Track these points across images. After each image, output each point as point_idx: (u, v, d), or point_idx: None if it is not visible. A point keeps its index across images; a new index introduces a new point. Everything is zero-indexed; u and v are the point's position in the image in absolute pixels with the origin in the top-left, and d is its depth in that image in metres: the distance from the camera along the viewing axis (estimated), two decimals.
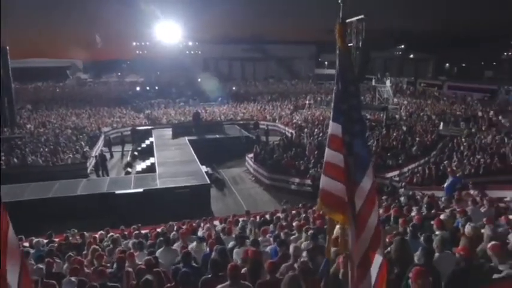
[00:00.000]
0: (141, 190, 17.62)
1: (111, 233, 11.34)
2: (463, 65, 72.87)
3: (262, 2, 75.59)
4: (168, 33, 55.51)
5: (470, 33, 64.76)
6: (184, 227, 12.31)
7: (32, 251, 9.27)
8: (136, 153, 29.02)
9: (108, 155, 27.22)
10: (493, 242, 4.96)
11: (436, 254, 5.45)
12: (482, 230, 6.66)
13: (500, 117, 33.09)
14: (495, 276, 4.09)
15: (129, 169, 24.78)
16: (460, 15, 68.99)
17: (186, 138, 28.04)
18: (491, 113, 35.71)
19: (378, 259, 2.65)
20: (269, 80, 75.50)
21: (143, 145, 29.75)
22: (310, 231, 7.65)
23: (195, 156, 23.03)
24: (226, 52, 74.28)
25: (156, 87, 56.81)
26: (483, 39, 58.26)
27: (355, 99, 2.56)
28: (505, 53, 50.09)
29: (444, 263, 5.12)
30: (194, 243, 8.80)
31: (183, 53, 59.09)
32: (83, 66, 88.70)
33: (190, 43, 60.45)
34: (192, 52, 61.25)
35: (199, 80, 58.16)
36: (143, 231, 12.04)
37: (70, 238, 11.11)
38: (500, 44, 51.02)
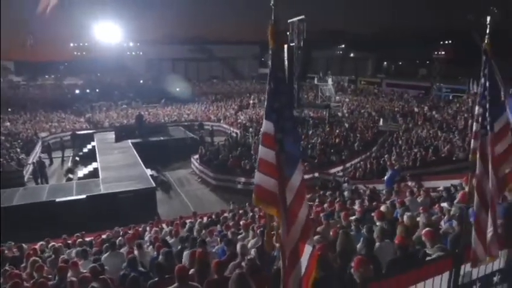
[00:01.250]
0: (84, 197, 16.97)
1: (53, 243, 10.85)
2: (400, 63, 76.19)
3: (205, 3, 75.01)
4: (108, 33, 53.94)
5: (406, 33, 67.76)
6: (130, 232, 12.07)
7: None
8: (77, 158, 27.98)
9: (47, 162, 25.99)
10: (426, 229, 5.26)
11: (377, 244, 5.69)
12: (418, 219, 7.03)
13: (433, 113, 34.90)
14: (428, 259, 4.36)
15: (70, 175, 23.82)
16: (396, 16, 71.98)
17: (130, 141, 27.38)
18: (426, 108, 37.59)
19: (308, 249, 2.78)
20: (213, 80, 75.18)
21: (85, 150, 28.76)
22: (260, 229, 7.73)
23: (139, 160, 22.53)
24: (169, 53, 73.07)
25: (97, 90, 54.98)
26: (417, 39, 61.21)
27: (286, 97, 2.66)
28: (436, 53, 52.91)
29: (384, 252, 5.37)
30: (139, 248, 8.62)
31: (124, 54, 57.61)
32: (15, 68, 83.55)
33: (131, 44, 59.02)
34: (133, 53, 59.82)
35: (141, 81, 56.93)
36: (87, 239, 11.65)
37: (6, 251, 10.45)
38: (432, 44, 54.01)
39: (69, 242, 11.52)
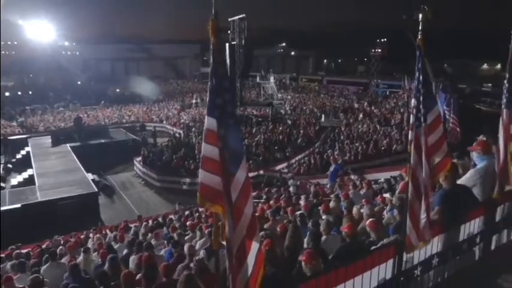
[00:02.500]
0: (18, 206, 16.09)
1: None
2: (339, 61, 78.57)
3: (145, 2, 73.31)
4: (40, 32, 51.15)
5: (344, 31, 69.96)
6: (72, 240, 11.57)
7: None
8: (10, 165, 26.37)
9: None
10: (370, 219, 5.43)
11: (324, 237, 5.80)
12: (362, 210, 7.25)
13: (372, 108, 36.26)
14: (373, 248, 4.52)
15: (2, 184, 22.44)
16: (335, 14, 74.04)
17: (68, 145, 26.31)
18: (365, 104, 39.01)
19: (254, 246, 2.79)
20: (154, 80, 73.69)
21: (18, 156, 27.31)
22: (209, 229, 7.67)
23: (79, 164, 21.69)
24: (108, 52, 70.70)
25: (30, 92, 52.23)
26: (355, 37, 63.38)
27: (229, 94, 2.65)
28: (373, 50, 55.09)
29: (331, 244, 5.49)
30: (82, 255, 8.28)
31: (59, 53, 55.05)
32: None
33: (66, 43, 56.51)
34: (69, 53, 57.35)
35: (79, 82, 54.72)
36: (24, 251, 11.00)
37: None
38: (369, 42, 56.16)
39: (3, 255, 10.82)
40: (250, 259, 2.79)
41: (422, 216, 3.63)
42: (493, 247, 5.10)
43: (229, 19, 32.32)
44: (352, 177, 13.52)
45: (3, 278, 6.67)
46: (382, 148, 20.13)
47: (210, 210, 2.90)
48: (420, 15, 3.12)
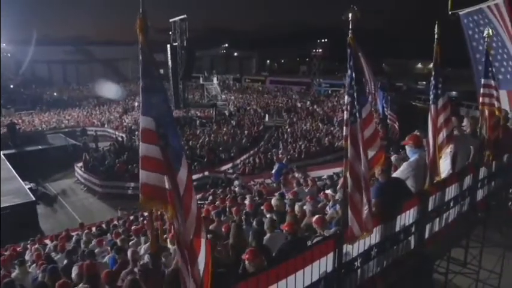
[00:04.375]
0: None
1: None
2: (282, 61, 79.73)
3: (84, 2, 70.65)
4: None
5: (286, 32, 71.11)
6: (6, 253, 10.94)
7: None
8: None
9: None
10: (316, 216, 5.55)
11: (268, 235, 5.87)
12: (305, 207, 7.40)
13: (315, 107, 37.13)
14: (315, 240, 4.63)
15: None
16: (277, 15, 75.07)
17: (2, 152, 24.80)
18: (308, 103, 39.85)
19: (203, 241, 2.79)
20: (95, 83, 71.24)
21: None
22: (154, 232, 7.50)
23: (14, 172, 20.54)
24: (44, 54, 67.30)
25: None
26: (297, 38, 64.69)
27: (162, 92, 2.63)
28: (314, 50, 56.42)
29: (275, 242, 5.55)
30: (17, 269, 7.84)
31: None
32: None
33: None
34: None
35: (11, 86, 51.78)
36: None
37: None
38: (311, 42, 57.47)
39: None
40: (201, 254, 2.79)
41: (365, 208, 3.76)
42: (426, 235, 5.38)
43: (170, 20, 31.95)
44: (296, 175, 13.76)
45: None
46: (325, 146, 20.68)
47: (155, 211, 2.84)
48: (350, 15, 3.23)
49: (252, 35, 76.27)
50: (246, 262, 4.04)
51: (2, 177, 20.26)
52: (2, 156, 24.13)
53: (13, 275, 7.60)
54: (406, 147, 5.46)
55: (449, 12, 10.25)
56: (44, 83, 62.66)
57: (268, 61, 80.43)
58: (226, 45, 77.65)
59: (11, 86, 52.21)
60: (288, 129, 26.89)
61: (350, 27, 3.27)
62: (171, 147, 2.57)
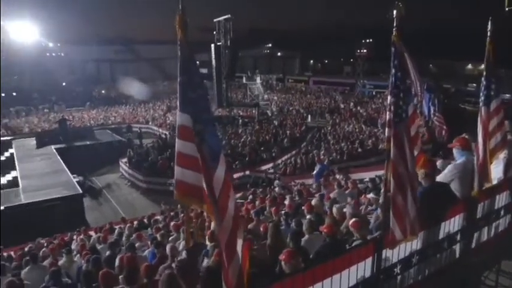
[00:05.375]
0: (1, 208, 15.83)
1: None
2: (326, 61, 78.81)
3: (131, 2, 72.56)
4: (23, 33, 50.32)
5: (330, 32, 70.01)
6: (55, 242, 11.44)
7: None
8: None
9: None
10: (353, 219, 5.43)
11: (306, 236, 5.80)
12: (345, 209, 7.26)
13: (358, 108, 36.50)
14: (354, 244, 4.52)
15: None
16: (321, 15, 74.21)
17: (53, 147, 25.99)
18: (351, 104, 39.22)
19: (239, 242, 2.77)
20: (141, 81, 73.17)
21: (2, 158, 26.85)
22: (190, 230, 7.61)
23: (64, 166, 21.45)
24: (94, 53, 69.92)
25: (14, 93, 51.45)
26: (341, 38, 63.67)
27: (201, 88, 2.61)
28: (358, 51, 55.42)
29: (313, 243, 5.48)
30: (64, 257, 8.17)
31: (43, 54, 54.30)
32: None
33: (51, 44, 55.72)
34: (54, 54, 56.59)
35: (64, 83, 54.06)
36: (6, 254, 10.82)
37: None
38: (355, 42, 56.47)
39: None
40: (238, 254, 2.78)
41: (411, 210, 3.63)
42: (473, 245, 5.12)
43: (215, 20, 32.26)
44: (337, 176, 13.58)
45: None
46: (368, 148, 20.27)
47: (190, 207, 2.86)
48: (395, 12, 3.12)
49: (296, 35, 75.61)
50: (282, 263, 4.00)
51: (53, 169, 21.25)
52: (54, 150, 25.27)
53: (60, 262, 7.94)
54: (454, 150, 5.22)
55: (506, 9, 9.75)
56: (93, 81, 65.03)
57: (311, 61, 79.76)
58: (270, 45, 77.59)
59: (63, 84, 54.46)
60: (331, 130, 26.57)
61: (394, 24, 3.16)
62: (208, 145, 2.55)
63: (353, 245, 4.67)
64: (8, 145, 27.94)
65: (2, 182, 22.40)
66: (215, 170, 2.58)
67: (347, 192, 10.24)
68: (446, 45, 52.73)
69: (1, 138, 30.26)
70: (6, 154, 26.84)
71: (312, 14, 73.06)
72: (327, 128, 27.98)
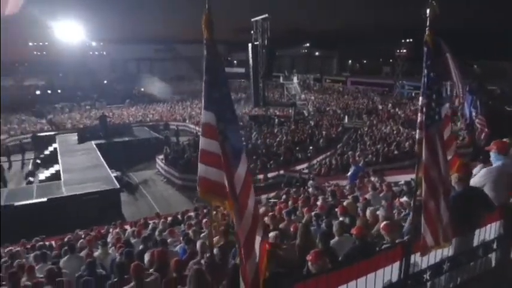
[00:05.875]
0: (45, 199, 16.51)
1: (10, 248, 10.50)
2: (364, 61, 77.61)
3: (170, 2, 73.90)
4: (68, 32, 52.22)
5: (369, 31, 68.79)
6: (92, 234, 11.81)
7: None
8: (38, 161, 27.13)
9: (6, 165, 25.17)
10: (384, 222, 5.33)
11: (336, 238, 5.74)
12: (378, 212, 7.14)
13: (397, 109, 35.74)
14: (384, 246, 4.43)
15: (30, 178, 23.13)
16: (360, 14, 73.05)
17: (93, 142, 26.82)
18: (390, 105, 38.47)
19: (258, 240, 2.79)
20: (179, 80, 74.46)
21: (46, 152, 27.97)
22: (221, 228, 7.68)
23: (103, 161, 22.09)
24: (134, 52, 71.73)
25: (59, 91, 53.49)
26: (380, 37, 62.49)
27: (225, 87, 2.64)
28: (398, 50, 54.24)
29: (343, 246, 5.42)
30: (100, 249, 8.44)
31: (87, 53, 56.17)
32: None
33: (94, 43, 57.55)
34: (96, 53, 58.42)
35: (105, 81, 55.72)
36: (47, 243, 11.28)
37: None
38: (395, 42, 55.32)
39: (28, 246, 11.15)
40: (255, 252, 2.80)
41: (443, 215, 3.53)
42: None
43: (252, 19, 32.39)
44: (372, 178, 13.34)
45: (27, 267, 6.91)
46: (405, 150, 19.83)
47: (226, 210, 2.90)
48: (428, 11, 3.04)
49: (334, 34, 74.69)
50: (309, 263, 3.98)
51: (92, 164, 21.96)
52: (94, 145, 26.09)
53: (95, 254, 8.20)
54: (491, 153, 5.03)
55: None
56: (133, 79, 66.65)
57: (349, 61, 78.75)
58: (308, 44, 77.13)
59: (105, 82, 56.11)
60: (367, 132, 26.16)
61: (427, 23, 3.08)
62: (230, 143, 2.59)
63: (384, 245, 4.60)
64: (52, 140, 29.02)
65: (46, 175, 23.36)
66: (236, 168, 2.62)
67: (381, 195, 10.06)
68: (492, 45, 50.79)
69: (45, 134, 31.59)
70: (50, 148, 27.88)
71: (351, 14, 71.96)
72: (363, 129, 27.57)
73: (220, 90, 2.59)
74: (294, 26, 72.00)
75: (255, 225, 2.76)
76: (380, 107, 38.68)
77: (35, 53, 56.74)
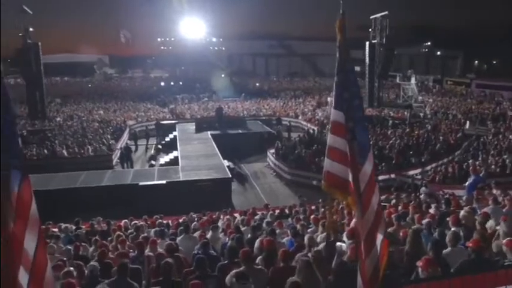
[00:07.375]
0: (164, 182, 18.02)
1: (135, 222, 11.72)
2: (494, 62, 71.03)
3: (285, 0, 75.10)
4: (192, 29, 55.66)
5: (502, 29, 62.59)
6: (204, 218, 12.63)
7: (61, 235, 9.80)
8: (160, 146, 29.50)
9: (133, 148, 27.85)
10: (508, 238, 5.00)
11: (448, 249, 5.51)
12: (498, 227, 6.66)
13: None
14: (506, 263, 4.17)
15: (153, 162, 25.37)
16: (488, 11, 66.97)
17: (209, 132, 28.34)
18: None
19: (379, 237, 2.84)
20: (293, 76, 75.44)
21: (167, 139, 30.20)
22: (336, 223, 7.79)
23: (217, 151, 23.30)
24: (251, 48, 74.27)
25: (181, 83, 57.25)
26: None
27: (355, 87, 2.74)
28: None
29: (455, 257, 5.18)
30: (211, 232, 9.03)
31: (207, 49, 59.32)
32: (109, 61, 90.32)
33: (214, 39, 60.59)
34: (216, 48, 61.47)
35: (222, 75, 58.35)
36: (165, 221, 12.36)
37: (95, 225, 11.55)
38: None
39: (149, 222, 12.32)
40: (375, 249, 2.86)
41: None
42: None
43: (371, 17, 31.53)
44: (494, 191, 12.33)
45: (150, 240, 7.80)
46: None
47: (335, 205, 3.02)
48: None
49: (460, 33, 69.25)
50: (419, 269, 3.92)
51: (207, 153, 23.31)
52: (210, 135, 27.64)
53: (207, 236, 8.81)
54: None
55: None
56: (248, 74, 68.97)
57: (476, 62, 72.61)
58: (429, 43, 72.78)
59: (222, 76, 58.79)
60: (492, 140, 24.05)
61: None
62: (358, 142, 2.69)
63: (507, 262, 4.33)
64: (172, 128, 31.30)
65: (165, 160, 25.36)
66: (363, 165, 2.71)
67: (504, 210, 9.31)
68: None
69: (167, 122, 34.15)
70: (171, 136, 30.05)
71: (479, 11, 66.20)
72: (487, 136, 25.39)
73: (349, 90, 2.70)
74: (415, 24, 68.56)
75: (378, 222, 2.82)
76: (510, 113, 35.15)
77: (162, 47, 61.41)
